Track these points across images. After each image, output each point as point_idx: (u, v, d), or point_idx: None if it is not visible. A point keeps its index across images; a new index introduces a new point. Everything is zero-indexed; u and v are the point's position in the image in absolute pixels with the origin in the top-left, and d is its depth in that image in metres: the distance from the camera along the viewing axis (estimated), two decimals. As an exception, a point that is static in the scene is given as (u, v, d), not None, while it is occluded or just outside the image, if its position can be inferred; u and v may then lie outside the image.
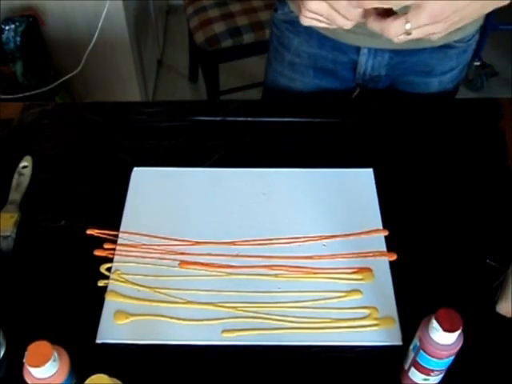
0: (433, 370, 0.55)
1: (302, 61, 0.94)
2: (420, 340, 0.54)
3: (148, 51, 1.96)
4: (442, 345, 0.53)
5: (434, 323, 0.52)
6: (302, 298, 0.67)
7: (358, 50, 0.90)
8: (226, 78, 1.99)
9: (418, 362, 0.56)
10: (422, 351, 0.54)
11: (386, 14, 0.62)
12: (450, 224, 0.74)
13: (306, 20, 0.66)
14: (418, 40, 0.86)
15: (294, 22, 0.91)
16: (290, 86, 0.98)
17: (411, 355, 0.57)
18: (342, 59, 0.92)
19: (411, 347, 0.57)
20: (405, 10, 0.60)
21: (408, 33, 0.61)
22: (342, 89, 0.96)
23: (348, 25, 0.65)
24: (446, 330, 0.52)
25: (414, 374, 0.57)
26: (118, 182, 0.79)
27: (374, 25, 0.63)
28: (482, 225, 0.74)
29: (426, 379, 0.57)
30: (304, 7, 0.64)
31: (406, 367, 0.58)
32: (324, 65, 0.94)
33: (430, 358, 0.54)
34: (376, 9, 0.62)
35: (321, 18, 0.64)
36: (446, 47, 0.89)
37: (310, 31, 0.90)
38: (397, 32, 0.61)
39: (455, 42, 0.89)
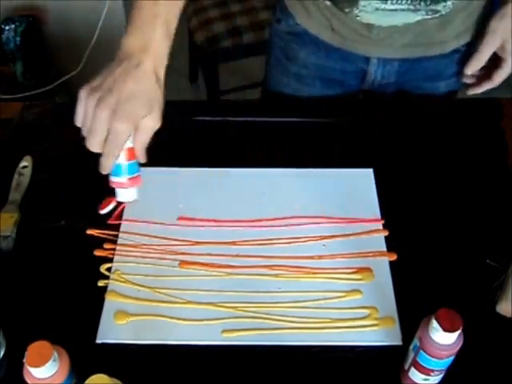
0: (433, 370, 0.55)
1: (309, 72, 0.93)
2: (420, 340, 0.54)
3: (148, 51, 1.96)
4: (442, 345, 0.53)
5: (434, 323, 0.52)
6: (302, 298, 0.67)
7: (367, 59, 0.89)
8: (225, 78, 1.99)
9: (418, 362, 0.56)
10: (421, 351, 0.54)
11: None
12: (450, 224, 0.74)
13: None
14: (426, 47, 0.87)
15: (299, 33, 0.90)
16: (295, 95, 0.97)
17: (411, 355, 0.57)
18: (350, 69, 0.91)
19: (411, 347, 0.57)
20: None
21: None
22: (348, 95, 0.96)
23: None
24: (446, 329, 0.52)
25: (414, 374, 0.57)
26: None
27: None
28: (482, 225, 0.74)
29: (426, 379, 0.57)
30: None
31: (406, 367, 0.58)
32: (332, 75, 0.93)
33: (430, 357, 0.54)
34: None
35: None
36: (454, 52, 0.89)
37: (318, 42, 0.89)
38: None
39: (462, 46, 0.89)
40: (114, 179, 0.65)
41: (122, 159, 0.63)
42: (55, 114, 0.90)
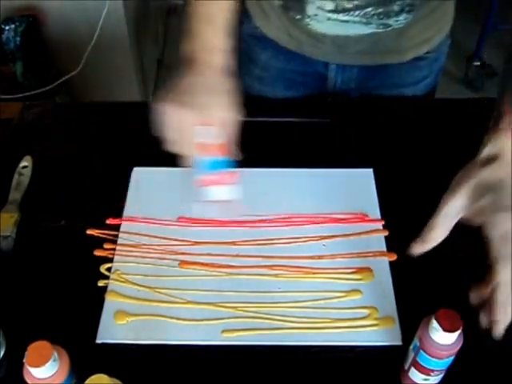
0: (433, 370, 0.55)
1: (270, 75, 0.94)
2: (420, 340, 0.54)
3: (148, 51, 1.96)
4: (442, 345, 0.53)
5: (434, 323, 0.52)
6: (302, 298, 0.67)
7: (325, 64, 0.89)
8: (225, 78, 1.99)
9: (418, 362, 0.56)
10: (421, 351, 0.54)
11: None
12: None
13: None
14: (383, 56, 0.86)
15: (261, 37, 0.90)
16: (260, 97, 0.97)
17: (411, 355, 0.57)
18: (310, 72, 0.91)
19: (411, 347, 0.57)
20: None
21: None
22: (313, 97, 0.95)
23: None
24: (446, 330, 0.52)
25: (414, 374, 0.57)
26: (118, 182, 0.79)
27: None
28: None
29: (426, 379, 0.57)
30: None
31: (406, 367, 0.58)
32: (293, 77, 0.93)
33: (430, 357, 0.54)
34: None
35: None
36: (415, 60, 0.88)
37: (277, 46, 0.89)
38: None
39: (425, 53, 0.88)
40: (201, 176, 0.65)
41: (209, 155, 0.64)
42: (55, 114, 0.90)
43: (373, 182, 0.79)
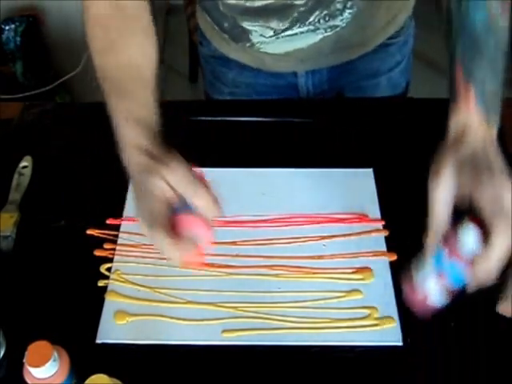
0: (458, 283, 0.52)
1: (242, 91, 0.93)
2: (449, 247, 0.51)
3: (148, 51, 1.96)
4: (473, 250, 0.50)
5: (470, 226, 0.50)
6: (302, 298, 0.67)
7: (294, 73, 0.89)
8: (225, 78, 1.99)
9: (443, 273, 0.52)
10: (451, 260, 0.51)
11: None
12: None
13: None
14: (349, 52, 0.85)
15: (223, 57, 0.90)
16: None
17: (429, 268, 0.53)
18: (281, 84, 0.91)
19: (430, 260, 0.53)
20: None
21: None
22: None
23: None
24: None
25: (433, 289, 0.53)
26: (117, 181, 0.79)
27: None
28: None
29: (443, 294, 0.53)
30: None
31: (420, 281, 0.54)
32: (265, 90, 0.93)
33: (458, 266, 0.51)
34: None
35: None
36: (382, 46, 0.87)
37: (241, 65, 0.89)
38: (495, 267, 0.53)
39: (390, 39, 0.87)
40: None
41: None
42: (55, 113, 0.90)
43: (373, 182, 0.79)
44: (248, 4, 0.74)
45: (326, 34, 0.80)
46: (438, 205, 0.54)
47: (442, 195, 0.54)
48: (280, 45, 0.82)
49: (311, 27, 0.78)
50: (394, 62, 0.91)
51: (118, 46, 0.64)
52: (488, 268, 0.50)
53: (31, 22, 1.51)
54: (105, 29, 0.64)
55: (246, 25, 0.80)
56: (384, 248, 0.72)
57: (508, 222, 0.50)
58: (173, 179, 0.53)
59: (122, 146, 0.59)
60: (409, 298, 0.56)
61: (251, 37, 0.81)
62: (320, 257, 0.71)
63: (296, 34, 0.79)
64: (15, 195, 0.77)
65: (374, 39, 0.86)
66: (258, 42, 0.82)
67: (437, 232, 0.54)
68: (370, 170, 0.80)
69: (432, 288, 0.53)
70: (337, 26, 0.79)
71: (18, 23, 1.48)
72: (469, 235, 0.50)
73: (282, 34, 0.79)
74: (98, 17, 0.65)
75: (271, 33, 0.79)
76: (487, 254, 0.50)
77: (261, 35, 0.80)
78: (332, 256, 0.71)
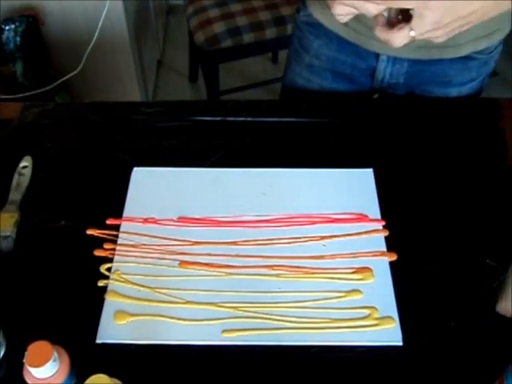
0: None
1: (320, 63, 0.94)
2: None
3: (148, 51, 1.97)
4: None
5: None
6: (302, 298, 0.67)
7: (377, 56, 0.89)
8: (225, 78, 1.99)
9: None
10: None
11: (391, 25, 0.62)
12: (450, 224, 0.74)
13: (338, 8, 0.62)
14: (441, 50, 0.86)
15: (315, 25, 0.91)
16: (307, 87, 0.97)
17: None
18: (360, 65, 0.92)
19: None
20: None
21: (412, 40, 0.61)
22: (359, 92, 0.96)
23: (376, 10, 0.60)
24: None
25: None
26: (117, 181, 0.79)
27: (381, 34, 0.62)
28: (482, 225, 0.74)
29: None
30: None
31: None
32: (342, 69, 0.93)
33: None
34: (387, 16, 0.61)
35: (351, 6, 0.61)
36: (467, 58, 0.88)
37: (331, 34, 0.90)
38: (402, 41, 0.61)
39: (477, 53, 0.88)
40: None
41: None
42: (55, 113, 0.90)
43: (373, 182, 0.79)
44: None
45: None
46: None
47: None
48: None
49: None
50: (469, 77, 0.91)
51: None
52: None
53: (31, 22, 1.51)
54: None
55: None
56: (384, 248, 0.72)
57: None
58: None
59: None
60: None
61: None
62: (320, 257, 0.71)
63: None
64: (15, 195, 0.77)
65: (462, 48, 0.86)
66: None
67: None
68: (370, 170, 0.80)
69: None
70: None
71: (17, 23, 1.48)
72: None
73: None
74: None
75: None
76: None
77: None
78: (332, 256, 0.71)
